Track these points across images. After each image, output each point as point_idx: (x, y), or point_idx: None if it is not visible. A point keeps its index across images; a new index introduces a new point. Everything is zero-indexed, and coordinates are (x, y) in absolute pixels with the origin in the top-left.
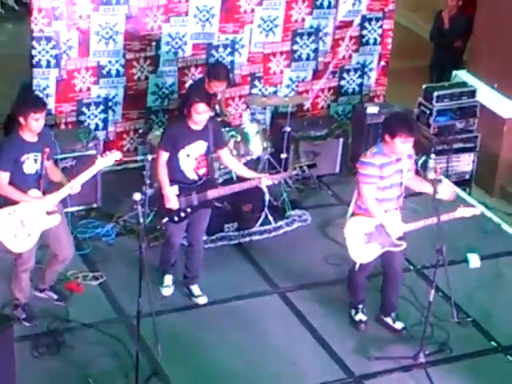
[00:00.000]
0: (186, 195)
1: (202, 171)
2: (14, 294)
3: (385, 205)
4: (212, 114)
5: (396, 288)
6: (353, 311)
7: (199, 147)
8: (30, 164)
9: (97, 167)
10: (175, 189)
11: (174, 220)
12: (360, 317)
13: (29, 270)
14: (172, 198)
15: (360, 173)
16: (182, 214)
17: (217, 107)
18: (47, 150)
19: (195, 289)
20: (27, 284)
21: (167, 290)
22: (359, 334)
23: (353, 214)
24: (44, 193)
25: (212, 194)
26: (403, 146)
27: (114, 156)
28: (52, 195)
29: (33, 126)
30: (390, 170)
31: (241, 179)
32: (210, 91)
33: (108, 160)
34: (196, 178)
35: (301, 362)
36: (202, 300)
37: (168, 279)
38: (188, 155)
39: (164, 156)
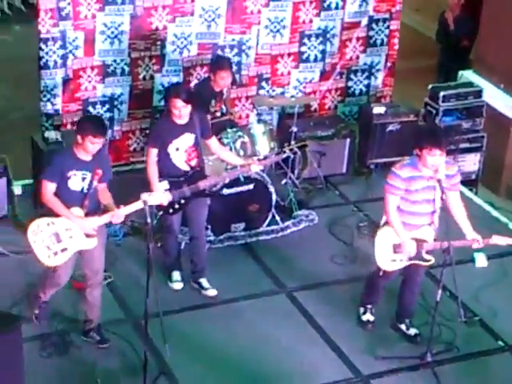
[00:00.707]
0: (177, 188)
1: (194, 162)
2: (36, 291)
3: (416, 219)
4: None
5: (413, 296)
6: (361, 309)
7: (187, 140)
8: (77, 181)
9: (140, 203)
10: (165, 184)
11: (169, 212)
12: (368, 317)
13: (58, 287)
14: (160, 194)
15: (387, 182)
16: (176, 206)
17: (223, 106)
18: (99, 171)
19: (204, 282)
20: (51, 293)
21: (177, 284)
22: (366, 334)
23: (386, 223)
24: (88, 214)
25: (203, 183)
26: (432, 158)
27: (162, 198)
28: (93, 218)
29: (88, 147)
30: (419, 184)
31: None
32: (217, 88)
33: (154, 199)
34: (188, 169)
35: (308, 361)
36: (212, 292)
37: (176, 274)
38: (177, 149)
39: (153, 153)
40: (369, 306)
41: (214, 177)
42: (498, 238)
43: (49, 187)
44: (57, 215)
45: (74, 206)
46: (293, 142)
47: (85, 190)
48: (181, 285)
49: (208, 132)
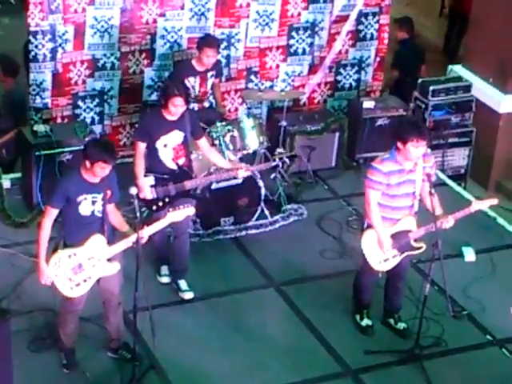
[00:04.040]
0: (163, 185)
1: (181, 161)
2: (59, 335)
3: (397, 213)
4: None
5: (399, 290)
6: (357, 316)
7: (175, 137)
8: (87, 205)
9: (167, 220)
10: (151, 179)
11: (152, 209)
12: (366, 322)
13: (77, 312)
14: (145, 187)
15: (367, 177)
16: (160, 203)
17: (212, 100)
18: (109, 192)
19: (182, 283)
20: (74, 328)
21: (165, 278)
22: (355, 328)
23: (368, 226)
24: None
25: (189, 184)
26: (416, 150)
27: (186, 211)
28: (114, 246)
29: (97, 172)
30: (400, 178)
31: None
32: (200, 67)
33: (179, 214)
34: (175, 167)
35: (297, 355)
36: (188, 295)
37: (164, 269)
38: (165, 145)
39: (141, 147)
40: (364, 311)
41: (201, 178)
42: (478, 203)
43: (48, 212)
44: (78, 244)
45: (94, 233)
46: (282, 150)
47: (96, 214)
48: (168, 279)
49: (199, 132)
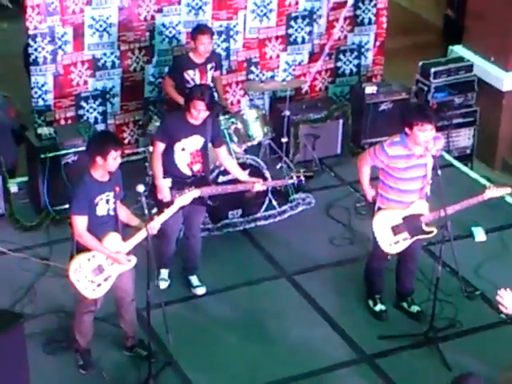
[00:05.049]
0: (178, 189)
1: (197, 167)
2: (74, 336)
3: (408, 196)
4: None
5: (411, 273)
6: (370, 302)
7: (195, 142)
8: (103, 205)
9: (176, 206)
10: (168, 182)
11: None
12: (380, 307)
13: (93, 313)
14: (164, 189)
15: (374, 148)
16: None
17: (215, 94)
18: (118, 188)
19: (194, 279)
20: (90, 329)
21: (163, 283)
22: (369, 313)
23: (379, 208)
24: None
25: (205, 191)
26: (423, 134)
27: (192, 194)
28: (129, 241)
29: (111, 165)
30: (408, 163)
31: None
32: (198, 59)
33: (186, 199)
34: (189, 173)
35: (312, 344)
36: (201, 291)
37: (164, 273)
38: (183, 149)
39: (160, 147)
40: (377, 296)
41: (216, 187)
42: (491, 191)
43: (79, 221)
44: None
45: (109, 231)
46: (302, 170)
47: (110, 212)
48: (166, 284)
49: (219, 139)
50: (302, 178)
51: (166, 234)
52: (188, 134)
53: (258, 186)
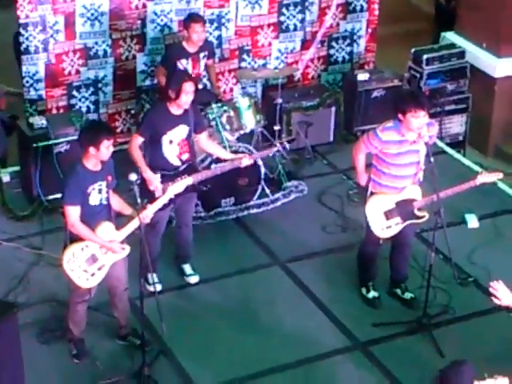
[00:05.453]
0: (168, 181)
1: (185, 156)
2: (68, 325)
3: (400, 182)
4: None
5: (405, 259)
6: (363, 290)
7: (181, 132)
8: (95, 195)
9: (168, 195)
10: (157, 177)
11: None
12: (373, 294)
13: (86, 302)
14: (154, 180)
15: (366, 134)
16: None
17: (206, 82)
18: (110, 178)
19: (187, 268)
20: (83, 318)
21: (157, 285)
22: (362, 301)
23: (371, 193)
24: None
25: (196, 177)
26: (416, 120)
27: (185, 181)
28: (123, 230)
29: (103, 154)
30: (400, 148)
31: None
32: (191, 48)
33: (179, 186)
34: (179, 163)
35: (306, 331)
36: (194, 279)
37: (154, 277)
38: (171, 141)
39: (138, 140)
40: (370, 283)
41: (206, 171)
42: (483, 176)
43: (72, 211)
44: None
45: (102, 221)
46: (279, 127)
47: (103, 202)
48: (159, 286)
49: (202, 126)
50: (286, 144)
51: (154, 228)
52: (173, 125)
53: (246, 160)
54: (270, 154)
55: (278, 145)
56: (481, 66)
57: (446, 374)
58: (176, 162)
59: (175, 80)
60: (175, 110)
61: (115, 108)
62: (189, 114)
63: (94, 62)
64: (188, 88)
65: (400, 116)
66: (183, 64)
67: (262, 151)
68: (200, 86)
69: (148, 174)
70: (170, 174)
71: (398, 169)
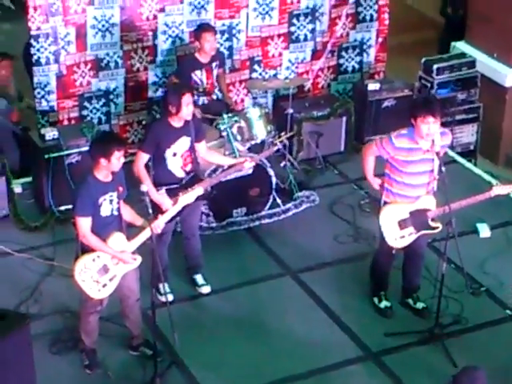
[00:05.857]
0: (174, 195)
1: (189, 167)
2: (80, 336)
3: (414, 191)
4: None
5: (418, 269)
6: (375, 299)
7: (184, 143)
8: (106, 206)
9: (180, 205)
10: (165, 196)
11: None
12: (385, 304)
13: (98, 313)
14: (165, 200)
15: (380, 139)
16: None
17: (217, 92)
18: (121, 188)
19: (199, 278)
20: (95, 328)
21: (168, 296)
22: (374, 311)
23: (385, 203)
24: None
25: (204, 185)
26: (425, 126)
27: (196, 192)
28: (134, 240)
29: (114, 165)
30: (416, 156)
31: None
32: (203, 59)
33: (190, 197)
34: (184, 175)
35: (318, 341)
36: (206, 289)
37: (165, 287)
38: (175, 154)
39: (144, 158)
40: (382, 293)
41: (210, 179)
42: (498, 188)
43: (84, 222)
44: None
45: (113, 231)
46: (282, 134)
47: (114, 212)
48: (171, 297)
49: (201, 135)
50: (286, 141)
51: (161, 239)
52: (176, 139)
53: (248, 163)
54: (272, 153)
55: (278, 143)
56: (491, 76)
57: (460, 379)
58: (180, 174)
59: (173, 95)
60: (176, 122)
61: (126, 119)
62: (190, 124)
63: (105, 73)
64: (187, 99)
65: (413, 121)
66: (198, 75)
67: (264, 152)
68: (214, 97)
69: (156, 197)
70: (176, 187)
71: (411, 177)
